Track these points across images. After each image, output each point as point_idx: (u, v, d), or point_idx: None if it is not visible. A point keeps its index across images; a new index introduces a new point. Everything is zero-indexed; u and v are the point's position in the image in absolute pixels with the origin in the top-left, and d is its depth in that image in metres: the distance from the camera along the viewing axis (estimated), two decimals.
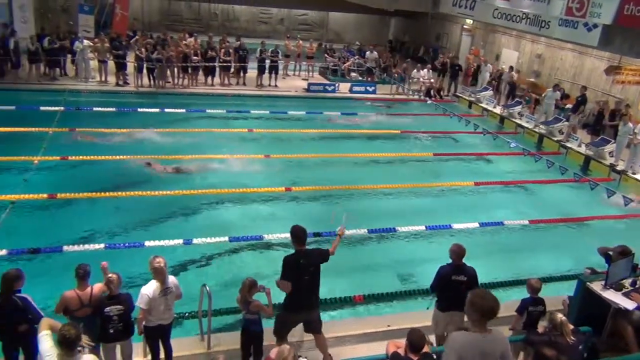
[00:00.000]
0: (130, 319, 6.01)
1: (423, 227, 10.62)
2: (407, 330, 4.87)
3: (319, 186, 12.64)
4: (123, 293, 5.95)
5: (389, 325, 7.61)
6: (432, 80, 22.98)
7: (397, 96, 22.56)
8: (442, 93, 23.16)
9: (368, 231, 10.24)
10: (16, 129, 13.80)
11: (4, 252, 7.84)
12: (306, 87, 22.06)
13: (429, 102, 20.97)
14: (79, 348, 4.42)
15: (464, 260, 6.60)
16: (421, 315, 7.31)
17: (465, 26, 28.15)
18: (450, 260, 6.65)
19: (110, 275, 5.85)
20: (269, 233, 9.84)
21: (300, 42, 24.02)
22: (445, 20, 29.57)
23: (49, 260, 8.31)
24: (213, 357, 4.51)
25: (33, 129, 13.92)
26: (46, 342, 4.50)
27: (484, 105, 21.65)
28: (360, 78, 24.46)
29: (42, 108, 15.79)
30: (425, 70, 23.27)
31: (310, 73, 24.35)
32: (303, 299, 6.26)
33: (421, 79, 23.04)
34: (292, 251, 6.27)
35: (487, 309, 4.14)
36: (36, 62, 19.09)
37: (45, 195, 10.48)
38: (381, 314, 8.30)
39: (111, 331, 5.84)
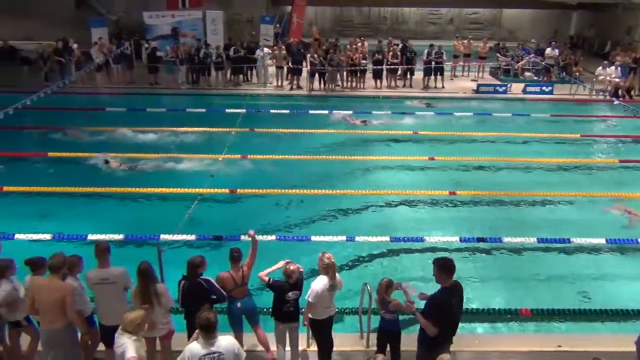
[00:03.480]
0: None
1: (603, 240, 9.56)
2: (580, 354, 4.46)
3: (485, 191, 12.12)
4: (301, 280, 6.36)
5: (559, 346, 7.05)
6: (620, 79, 20.56)
7: (577, 96, 20.64)
8: (632, 92, 20.61)
9: (537, 240, 9.54)
10: (205, 129, 15.55)
11: (193, 237, 8.85)
12: (475, 88, 21.30)
13: (617, 102, 18.82)
14: None
15: None
16: (597, 338, 6.65)
17: None
18: None
19: (292, 267, 6.28)
20: (431, 236, 9.72)
21: (471, 41, 23.23)
22: None
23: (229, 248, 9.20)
24: (371, 356, 4.60)
25: (219, 129, 15.52)
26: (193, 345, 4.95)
27: None
28: (535, 78, 22.89)
29: (227, 110, 17.50)
30: (613, 67, 20.90)
31: (481, 74, 23.46)
32: (447, 336, 5.78)
33: (608, 77, 20.74)
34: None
35: None
36: (222, 69, 21.28)
37: (226, 190, 11.62)
38: (551, 332, 7.73)
39: (285, 310, 6.28)
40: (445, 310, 5.56)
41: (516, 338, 7.52)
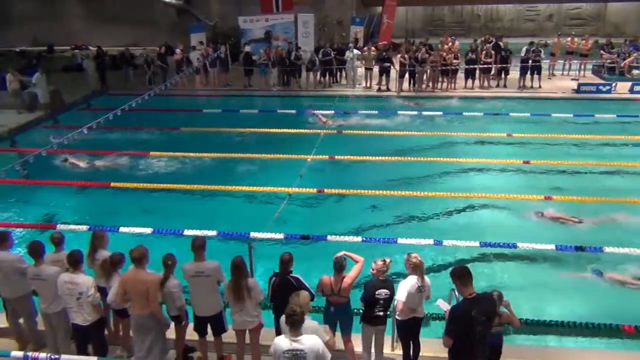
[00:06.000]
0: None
1: None
2: None
3: (584, 197, 11.38)
4: (389, 279, 6.34)
5: None
6: None
7: None
8: None
9: None
10: (295, 131, 15.87)
11: (281, 235, 9.06)
12: (575, 87, 20.09)
13: None
14: None
15: None
16: None
17: None
18: None
19: (380, 261, 6.27)
20: (524, 242, 9.28)
21: (575, 39, 21.92)
22: None
23: (316, 247, 9.36)
24: None
25: (308, 130, 15.78)
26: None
27: None
28: None
29: (316, 112, 17.78)
30: None
31: (582, 72, 22.10)
32: (472, 352, 5.41)
33: None
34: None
35: None
36: (313, 71, 21.65)
37: (314, 190, 11.81)
38: None
39: (375, 314, 6.27)
40: (461, 323, 5.25)
41: (620, 356, 7.04)
